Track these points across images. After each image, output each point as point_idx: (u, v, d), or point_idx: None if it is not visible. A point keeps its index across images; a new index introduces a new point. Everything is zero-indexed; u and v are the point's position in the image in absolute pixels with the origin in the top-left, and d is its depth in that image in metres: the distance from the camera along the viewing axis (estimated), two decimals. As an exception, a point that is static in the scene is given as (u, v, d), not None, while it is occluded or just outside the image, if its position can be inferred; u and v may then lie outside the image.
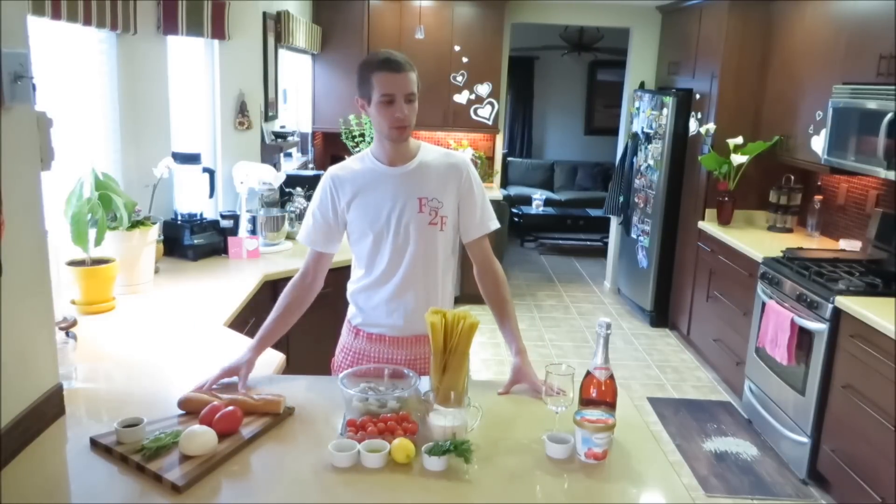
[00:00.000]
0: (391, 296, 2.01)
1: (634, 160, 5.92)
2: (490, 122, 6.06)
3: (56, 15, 2.23)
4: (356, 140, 5.41)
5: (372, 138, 5.64)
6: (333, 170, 2.03)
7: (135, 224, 2.69)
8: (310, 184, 3.99)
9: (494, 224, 2.08)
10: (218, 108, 3.72)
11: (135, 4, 2.84)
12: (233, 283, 2.92)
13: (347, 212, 1.99)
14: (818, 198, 4.40)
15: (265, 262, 3.25)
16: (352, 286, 2.11)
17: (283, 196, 3.90)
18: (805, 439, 3.37)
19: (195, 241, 3.22)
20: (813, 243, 4.23)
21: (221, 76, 3.69)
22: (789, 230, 4.57)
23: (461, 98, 5.98)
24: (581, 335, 5.41)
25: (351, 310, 2.13)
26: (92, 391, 1.88)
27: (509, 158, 9.37)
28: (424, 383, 1.82)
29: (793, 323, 3.41)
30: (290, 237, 3.63)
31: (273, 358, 2.19)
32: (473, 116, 6.03)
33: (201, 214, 3.34)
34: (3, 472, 1.45)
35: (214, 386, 1.81)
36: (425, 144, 2.06)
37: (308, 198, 3.87)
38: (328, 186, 2.01)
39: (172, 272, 3.03)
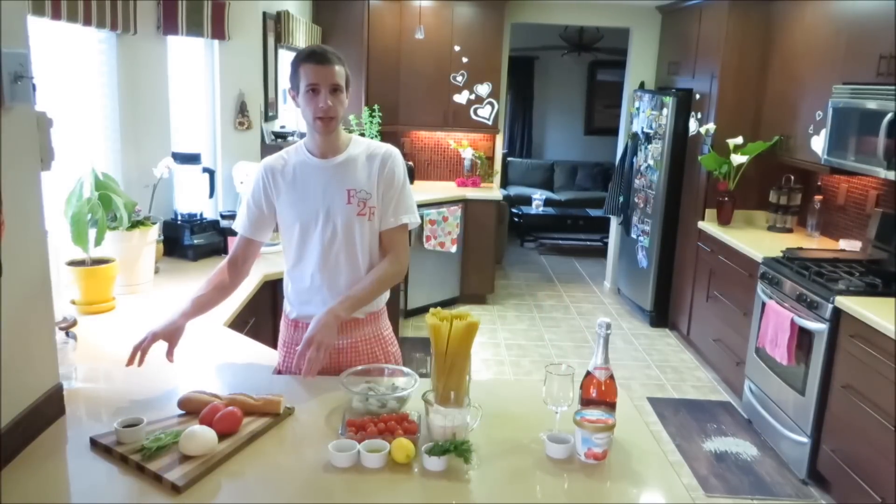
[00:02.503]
0: (322, 285, 2.05)
1: (634, 160, 5.92)
2: (490, 122, 6.07)
3: (56, 15, 2.23)
4: (356, 140, 5.41)
5: (371, 138, 5.64)
6: (267, 161, 2.09)
7: (135, 224, 2.69)
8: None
9: (408, 218, 2.07)
10: (218, 108, 3.73)
11: (135, 4, 2.84)
12: (233, 283, 2.91)
13: (277, 202, 2.05)
14: (818, 198, 4.40)
15: (265, 262, 3.25)
16: (287, 278, 2.15)
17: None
18: (805, 439, 3.37)
19: (195, 241, 3.23)
20: (813, 243, 4.23)
21: (221, 76, 3.69)
22: (789, 230, 4.57)
23: (461, 98, 5.98)
24: (581, 335, 5.41)
25: (286, 306, 2.18)
26: (92, 391, 1.88)
27: (509, 158, 9.37)
28: (425, 383, 1.81)
29: (793, 323, 3.41)
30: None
31: (272, 358, 2.20)
32: (473, 116, 6.03)
33: (201, 214, 3.34)
34: (3, 472, 1.45)
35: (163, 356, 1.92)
36: (356, 137, 2.10)
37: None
38: (261, 177, 2.06)
39: (172, 272, 3.03)
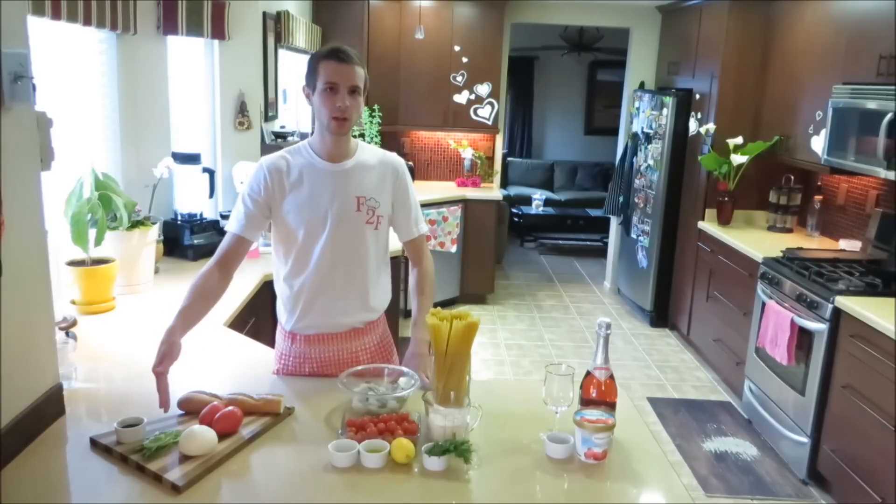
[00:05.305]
0: (324, 293, 1.99)
1: (634, 160, 5.92)
2: (490, 122, 6.06)
3: (56, 15, 2.23)
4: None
5: (371, 138, 5.62)
6: (268, 159, 1.98)
7: (135, 224, 2.69)
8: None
9: (424, 228, 2.14)
10: (218, 108, 3.73)
11: (135, 4, 2.84)
12: (232, 283, 2.88)
13: (281, 204, 1.95)
14: (818, 198, 4.40)
15: (265, 262, 3.25)
16: (282, 286, 2.04)
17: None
18: (805, 439, 3.37)
19: (195, 241, 3.23)
20: (813, 243, 4.23)
21: (221, 76, 3.69)
22: (789, 230, 4.57)
23: (461, 98, 5.98)
24: (581, 335, 5.41)
25: (282, 315, 2.08)
26: (92, 391, 1.88)
27: (509, 158, 9.37)
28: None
29: (793, 323, 3.41)
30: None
31: (272, 358, 2.19)
32: (473, 116, 6.03)
33: (201, 214, 3.34)
34: (3, 472, 1.45)
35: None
36: (363, 144, 2.06)
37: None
38: (263, 176, 1.94)
39: (172, 272, 3.03)
